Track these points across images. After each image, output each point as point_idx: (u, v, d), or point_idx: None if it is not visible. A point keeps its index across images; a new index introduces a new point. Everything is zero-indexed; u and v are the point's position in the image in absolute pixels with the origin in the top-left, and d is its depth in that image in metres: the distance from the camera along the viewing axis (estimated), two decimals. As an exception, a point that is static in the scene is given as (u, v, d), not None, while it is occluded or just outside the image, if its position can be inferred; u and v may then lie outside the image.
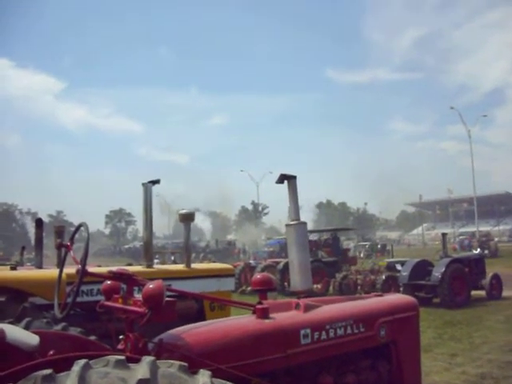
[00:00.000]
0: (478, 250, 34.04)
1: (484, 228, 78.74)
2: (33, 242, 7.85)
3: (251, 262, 25.65)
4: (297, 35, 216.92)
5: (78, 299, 3.25)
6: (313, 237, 27.98)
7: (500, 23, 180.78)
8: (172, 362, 2.16)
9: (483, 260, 18.42)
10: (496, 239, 55.18)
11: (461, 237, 71.45)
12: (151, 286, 2.72)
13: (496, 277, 17.36)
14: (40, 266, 6.88)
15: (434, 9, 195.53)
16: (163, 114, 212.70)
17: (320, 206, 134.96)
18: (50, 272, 5.76)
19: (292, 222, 4.43)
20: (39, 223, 7.39)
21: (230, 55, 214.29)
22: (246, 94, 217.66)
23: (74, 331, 3.39)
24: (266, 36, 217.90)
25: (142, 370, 2.00)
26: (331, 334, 3.52)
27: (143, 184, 6.08)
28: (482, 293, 17.05)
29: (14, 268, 7.11)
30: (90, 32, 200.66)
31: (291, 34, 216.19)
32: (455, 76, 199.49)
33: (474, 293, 16.63)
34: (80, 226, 3.31)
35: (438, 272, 15.84)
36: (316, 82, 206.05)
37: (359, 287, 19.31)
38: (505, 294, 17.21)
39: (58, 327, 3.38)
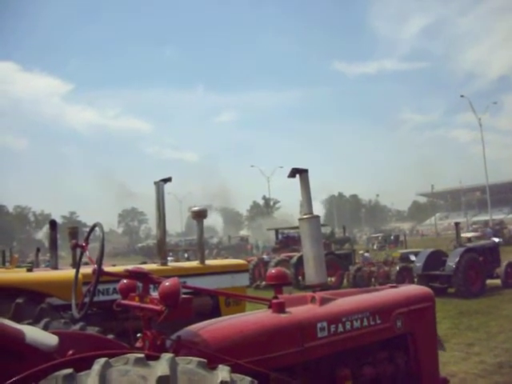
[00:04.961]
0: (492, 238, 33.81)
1: (497, 216, 78.11)
2: (46, 243, 7.91)
3: (264, 256, 25.64)
4: (302, 28, 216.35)
5: (95, 299, 3.26)
6: (325, 230, 27.69)
7: (507, 7, 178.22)
8: (191, 358, 2.16)
9: (497, 248, 18.26)
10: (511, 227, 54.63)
11: (474, 226, 70.94)
12: (167, 284, 2.72)
13: (511, 265, 17.21)
14: (56, 267, 6.94)
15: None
16: (171, 112, 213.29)
17: (332, 198, 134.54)
18: (66, 272, 5.81)
19: (305, 216, 4.41)
20: (53, 225, 7.43)
21: (235, 51, 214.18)
22: (253, 90, 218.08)
23: (92, 330, 3.41)
24: (272, 31, 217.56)
25: (161, 366, 2.01)
26: (348, 327, 3.51)
27: (155, 182, 6.09)
28: (498, 281, 16.93)
29: (30, 270, 7.18)
30: (94, 33, 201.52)
31: (296, 28, 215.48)
32: (463, 64, 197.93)
33: (489, 282, 16.53)
34: (95, 225, 3.32)
35: (452, 262, 15.76)
36: (324, 75, 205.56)
37: (373, 279, 19.24)
38: (520, 282, 17.08)
39: (76, 327, 3.41)
